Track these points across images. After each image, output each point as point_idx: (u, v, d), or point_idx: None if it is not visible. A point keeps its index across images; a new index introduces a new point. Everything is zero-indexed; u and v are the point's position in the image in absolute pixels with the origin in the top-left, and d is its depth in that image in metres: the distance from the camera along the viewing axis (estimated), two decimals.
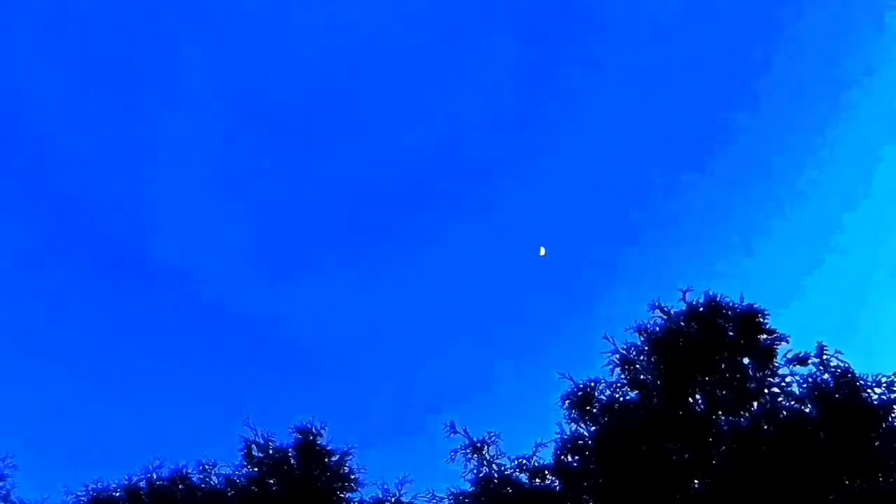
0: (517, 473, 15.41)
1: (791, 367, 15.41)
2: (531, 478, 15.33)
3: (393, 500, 15.48)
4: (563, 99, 42.57)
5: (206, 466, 15.91)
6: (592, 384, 15.78)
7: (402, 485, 15.55)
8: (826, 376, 15.07)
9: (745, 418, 14.99)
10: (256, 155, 42.28)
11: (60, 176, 41.16)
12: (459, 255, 42.17)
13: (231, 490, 15.61)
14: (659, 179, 42.16)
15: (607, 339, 15.98)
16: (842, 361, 15.13)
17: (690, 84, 41.72)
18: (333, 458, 16.02)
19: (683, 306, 16.04)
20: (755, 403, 15.19)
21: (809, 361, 15.30)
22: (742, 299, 15.86)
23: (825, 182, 39.49)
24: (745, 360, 15.63)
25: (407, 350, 41.38)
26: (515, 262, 41.60)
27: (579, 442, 15.38)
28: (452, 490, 15.29)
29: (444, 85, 42.34)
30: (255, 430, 16.00)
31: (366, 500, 15.75)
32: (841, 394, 14.76)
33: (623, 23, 40.37)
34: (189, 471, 15.85)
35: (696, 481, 14.65)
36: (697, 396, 15.43)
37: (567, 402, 15.75)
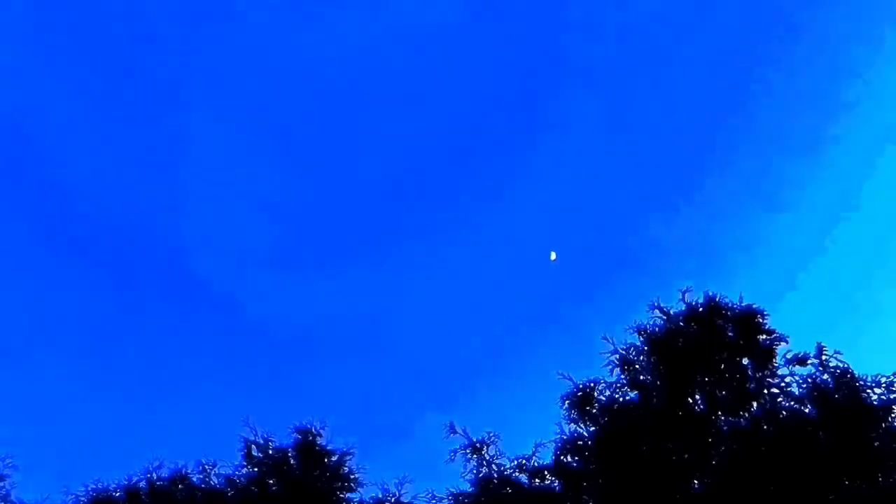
0: (517, 474, 15.40)
1: (790, 367, 15.42)
2: (531, 478, 15.32)
3: (393, 500, 15.47)
4: (564, 101, 42.60)
5: (206, 466, 15.90)
6: (592, 384, 15.77)
7: (402, 485, 15.56)
8: (825, 376, 15.06)
9: (745, 418, 14.98)
10: (267, 157, 42.36)
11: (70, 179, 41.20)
12: (462, 256, 42.19)
13: (231, 490, 15.60)
14: (661, 183, 42.19)
15: (607, 339, 15.98)
16: (841, 361, 15.14)
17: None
18: (333, 459, 16.01)
19: (683, 306, 16.04)
20: (755, 404, 15.18)
21: (809, 362, 15.30)
22: (741, 299, 15.88)
23: (823, 182, 39.52)
24: (745, 361, 15.62)
25: (407, 349, 41.39)
26: (517, 262, 41.64)
27: (579, 442, 15.37)
28: (452, 490, 15.30)
29: (451, 88, 42.39)
30: (255, 430, 16.02)
31: (366, 500, 15.76)
32: (840, 394, 14.74)
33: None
34: (189, 471, 15.85)
35: (696, 481, 14.64)
36: (697, 397, 15.42)
37: (567, 402, 15.74)
